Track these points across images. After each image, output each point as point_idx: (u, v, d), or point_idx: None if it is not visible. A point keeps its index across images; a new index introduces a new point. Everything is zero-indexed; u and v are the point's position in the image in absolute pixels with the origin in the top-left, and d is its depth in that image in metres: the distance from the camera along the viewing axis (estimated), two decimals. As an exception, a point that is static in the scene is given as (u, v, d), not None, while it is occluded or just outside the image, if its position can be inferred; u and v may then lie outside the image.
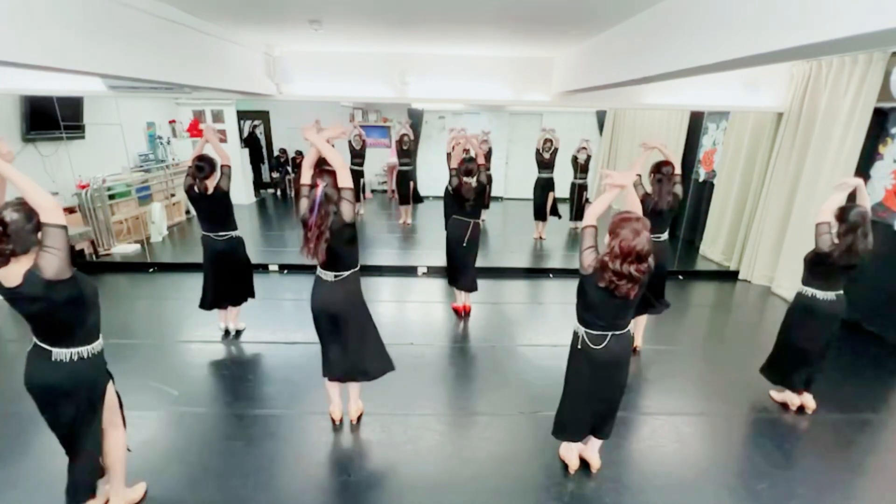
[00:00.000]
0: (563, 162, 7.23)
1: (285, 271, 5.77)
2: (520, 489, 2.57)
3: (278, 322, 4.47)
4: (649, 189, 3.64)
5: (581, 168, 7.24)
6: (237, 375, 3.63)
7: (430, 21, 3.50)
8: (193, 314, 4.43)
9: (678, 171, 3.62)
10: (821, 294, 2.95)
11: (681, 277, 5.94)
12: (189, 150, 8.54)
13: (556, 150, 6.93)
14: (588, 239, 2.23)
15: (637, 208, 2.27)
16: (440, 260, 5.19)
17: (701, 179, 6.91)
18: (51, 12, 2.25)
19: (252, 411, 3.15)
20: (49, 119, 5.61)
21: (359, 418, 3.07)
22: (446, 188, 4.49)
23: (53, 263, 1.78)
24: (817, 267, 2.93)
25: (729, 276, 5.93)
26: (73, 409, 1.99)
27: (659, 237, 3.61)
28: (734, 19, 2.10)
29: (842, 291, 2.97)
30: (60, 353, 1.92)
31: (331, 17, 3.46)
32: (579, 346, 2.36)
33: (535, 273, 5.98)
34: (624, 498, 2.51)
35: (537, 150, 6.99)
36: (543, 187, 7.06)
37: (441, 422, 3.09)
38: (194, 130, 8.73)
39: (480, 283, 4.62)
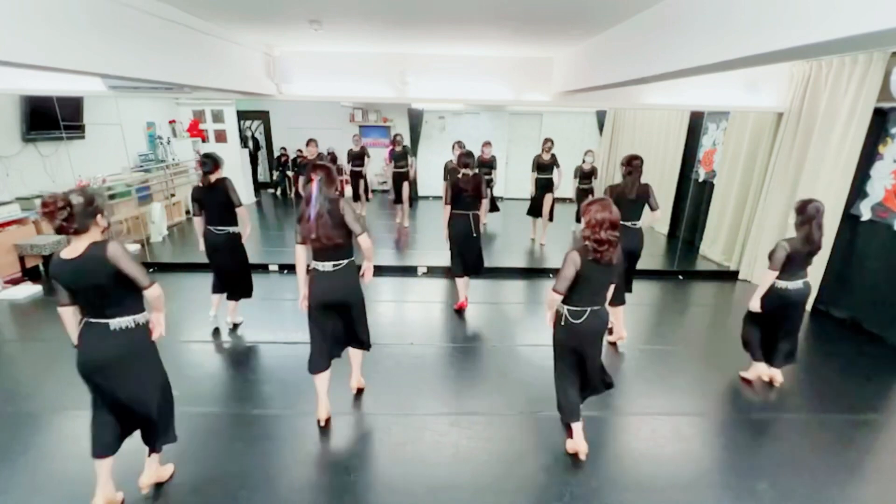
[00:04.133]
0: (566, 169, 7.11)
1: (285, 271, 5.76)
2: (520, 489, 2.57)
3: (278, 322, 4.47)
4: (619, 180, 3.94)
5: (584, 175, 7.13)
6: (236, 376, 3.64)
7: (430, 21, 3.50)
8: (193, 314, 4.43)
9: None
10: (792, 285, 3.25)
11: (681, 277, 5.94)
12: (189, 149, 8.56)
13: (553, 156, 6.86)
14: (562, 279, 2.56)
15: None
16: (440, 260, 5.19)
17: (701, 179, 6.90)
18: (51, 12, 2.25)
19: (251, 411, 3.15)
20: (49, 119, 5.61)
21: (359, 392, 3.30)
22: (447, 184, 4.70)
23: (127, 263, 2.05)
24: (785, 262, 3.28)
25: (729, 276, 5.93)
26: (137, 371, 2.22)
27: (635, 224, 3.93)
28: (733, 19, 2.10)
29: (808, 279, 3.29)
30: (119, 323, 2.11)
31: (331, 16, 3.46)
32: (563, 323, 2.65)
33: (535, 273, 5.98)
34: (624, 498, 2.51)
35: (538, 156, 6.93)
36: (543, 188, 7.02)
37: (441, 422, 3.09)
38: (194, 130, 8.74)
39: (481, 283, 4.64)
